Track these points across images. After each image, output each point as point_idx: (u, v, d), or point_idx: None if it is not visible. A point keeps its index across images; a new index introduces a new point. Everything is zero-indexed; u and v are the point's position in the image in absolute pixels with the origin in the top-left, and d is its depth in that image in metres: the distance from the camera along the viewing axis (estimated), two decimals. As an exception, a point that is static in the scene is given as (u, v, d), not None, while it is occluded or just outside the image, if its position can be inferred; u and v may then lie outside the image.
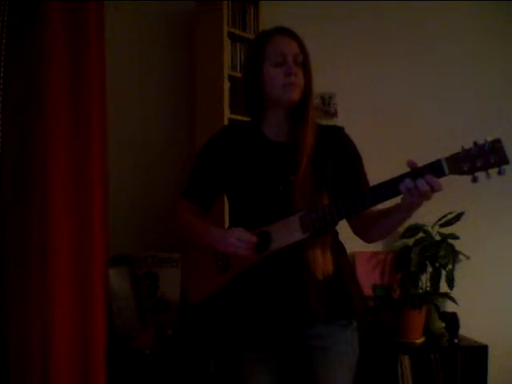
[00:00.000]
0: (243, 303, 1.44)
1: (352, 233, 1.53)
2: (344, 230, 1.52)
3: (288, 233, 1.38)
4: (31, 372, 1.40)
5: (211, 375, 2.13)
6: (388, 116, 2.76)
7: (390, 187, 1.26)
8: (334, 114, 2.66)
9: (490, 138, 1.14)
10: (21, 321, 1.41)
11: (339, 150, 1.50)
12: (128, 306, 2.20)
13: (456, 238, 2.56)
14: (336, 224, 1.47)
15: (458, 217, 2.54)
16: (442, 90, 2.82)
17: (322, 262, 1.41)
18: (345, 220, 1.46)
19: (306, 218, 1.36)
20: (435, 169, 1.20)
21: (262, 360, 1.47)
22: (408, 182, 1.21)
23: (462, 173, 1.18)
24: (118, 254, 2.21)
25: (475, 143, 1.16)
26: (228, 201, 1.59)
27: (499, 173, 1.14)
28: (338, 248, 1.50)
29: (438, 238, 2.58)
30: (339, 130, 1.55)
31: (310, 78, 1.48)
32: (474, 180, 1.17)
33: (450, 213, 2.55)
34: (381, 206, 1.34)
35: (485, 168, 1.15)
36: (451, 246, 2.55)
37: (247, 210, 1.49)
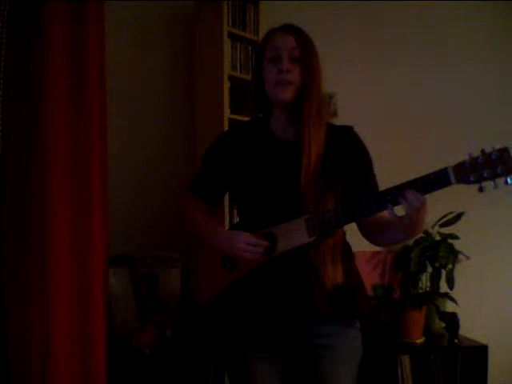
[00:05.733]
0: (249, 303, 1.44)
1: (351, 233, 1.52)
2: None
3: (294, 236, 1.36)
4: (31, 372, 1.39)
5: (211, 375, 2.13)
6: (388, 116, 2.77)
7: (396, 194, 1.24)
8: (334, 114, 2.66)
9: (497, 147, 1.13)
10: (21, 321, 1.41)
11: (349, 151, 1.47)
12: (128, 306, 2.20)
13: (456, 238, 2.56)
14: (342, 227, 1.45)
15: (458, 217, 2.54)
16: (443, 90, 2.82)
17: (332, 273, 1.39)
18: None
19: (311, 221, 1.34)
20: (441, 178, 1.18)
21: (268, 359, 1.47)
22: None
23: (469, 182, 1.16)
24: (118, 254, 2.21)
25: (482, 151, 1.14)
26: (235, 199, 1.58)
27: (506, 183, 1.13)
28: (346, 250, 1.49)
29: (437, 238, 2.57)
30: (349, 130, 1.51)
31: (308, 75, 1.41)
32: (481, 190, 1.16)
33: (450, 213, 2.55)
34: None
35: (491, 178, 1.13)
36: (451, 246, 2.55)
37: (255, 209, 1.47)
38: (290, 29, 1.46)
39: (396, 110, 2.78)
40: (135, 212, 2.43)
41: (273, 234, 1.40)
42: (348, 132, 1.51)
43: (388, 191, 1.26)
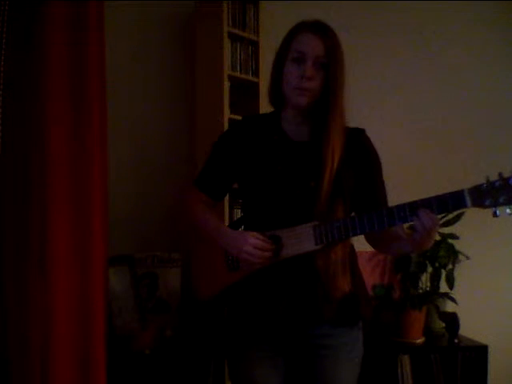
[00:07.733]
0: (252, 302, 1.44)
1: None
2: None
3: (300, 242, 1.35)
4: (31, 372, 1.39)
5: (211, 375, 2.13)
6: (390, 117, 2.77)
7: (409, 211, 1.23)
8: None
9: None
10: (21, 321, 1.40)
11: (361, 157, 1.45)
12: (128, 306, 2.20)
13: (456, 238, 2.56)
14: (350, 238, 1.42)
15: (458, 217, 2.54)
16: (445, 91, 2.82)
17: (342, 285, 1.38)
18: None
19: (319, 229, 1.33)
20: (457, 200, 1.18)
21: (269, 359, 1.47)
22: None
23: (484, 207, 1.16)
24: (118, 254, 2.21)
25: (500, 175, 1.15)
26: (241, 195, 1.55)
27: None
28: (352, 255, 1.48)
29: (437, 237, 2.57)
30: (361, 134, 1.49)
31: (334, 84, 1.39)
32: (495, 215, 1.16)
33: (450, 213, 2.55)
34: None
35: (507, 203, 1.14)
36: (451, 245, 2.55)
37: (261, 208, 1.45)
38: (320, 30, 1.41)
39: (398, 111, 2.79)
40: (135, 212, 2.43)
41: (278, 237, 1.38)
42: (361, 136, 1.49)
43: (401, 208, 1.25)
